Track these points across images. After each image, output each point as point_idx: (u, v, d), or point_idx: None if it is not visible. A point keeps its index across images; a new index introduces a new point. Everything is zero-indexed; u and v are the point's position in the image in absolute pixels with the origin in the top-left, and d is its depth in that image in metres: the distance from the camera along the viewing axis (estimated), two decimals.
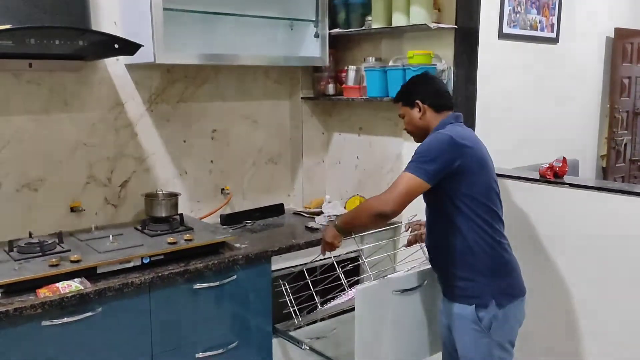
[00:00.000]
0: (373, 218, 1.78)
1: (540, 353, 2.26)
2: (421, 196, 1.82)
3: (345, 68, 2.74)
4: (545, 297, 2.21)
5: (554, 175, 2.18)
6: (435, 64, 2.39)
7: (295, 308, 2.24)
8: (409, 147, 2.64)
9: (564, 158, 2.19)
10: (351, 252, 2.41)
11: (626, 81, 4.75)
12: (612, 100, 4.67)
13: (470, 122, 2.49)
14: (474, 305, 1.80)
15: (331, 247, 1.98)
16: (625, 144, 4.88)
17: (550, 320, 2.21)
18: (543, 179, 2.18)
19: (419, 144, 1.84)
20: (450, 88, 2.40)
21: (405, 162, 2.66)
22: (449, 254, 1.83)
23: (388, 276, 1.98)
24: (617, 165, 4.85)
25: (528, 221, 2.23)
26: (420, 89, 1.94)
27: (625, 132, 4.87)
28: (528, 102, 3.76)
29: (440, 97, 1.93)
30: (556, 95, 4.01)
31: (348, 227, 1.93)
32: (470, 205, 1.78)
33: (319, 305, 2.18)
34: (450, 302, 1.88)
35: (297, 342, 2.24)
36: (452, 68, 2.40)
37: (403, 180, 1.74)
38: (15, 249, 2.00)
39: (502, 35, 3.56)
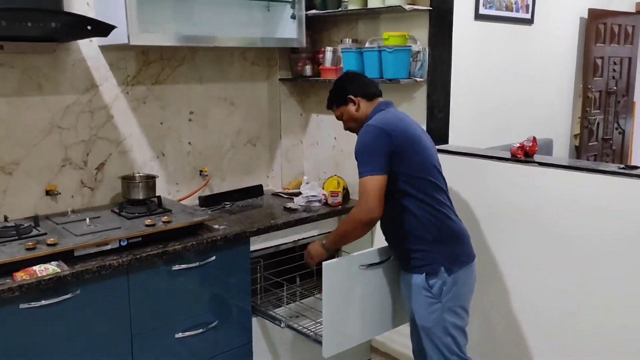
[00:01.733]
0: (364, 228, 1.94)
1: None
2: None
3: (323, 49, 2.75)
4: (514, 273, 2.28)
5: (525, 154, 2.23)
6: (410, 46, 2.41)
7: (263, 284, 2.34)
8: None
9: (534, 137, 2.24)
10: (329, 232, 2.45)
11: (599, 61, 4.83)
12: (586, 80, 4.75)
13: (444, 103, 2.54)
14: (425, 274, 1.93)
15: (315, 263, 2.12)
16: (598, 123, 4.98)
17: (519, 296, 2.29)
18: (514, 158, 2.24)
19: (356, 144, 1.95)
20: (425, 69, 2.44)
21: None
22: (399, 230, 1.97)
23: (354, 253, 2.06)
24: (589, 144, 4.96)
25: (499, 199, 2.29)
26: (349, 86, 2.07)
27: (598, 111, 4.97)
28: (503, 82, 3.81)
29: (367, 86, 2.09)
30: (531, 75, 4.07)
31: (338, 245, 2.09)
32: (410, 183, 1.91)
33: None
34: (406, 273, 2.01)
35: (276, 321, 2.29)
36: (427, 49, 2.42)
37: (368, 185, 1.87)
38: None
39: (478, 17, 3.59)
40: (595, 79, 4.84)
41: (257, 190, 2.85)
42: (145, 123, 2.55)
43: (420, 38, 2.45)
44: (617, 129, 5.21)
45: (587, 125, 4.87)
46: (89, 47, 2.33)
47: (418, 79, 2.43)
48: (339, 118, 2.13)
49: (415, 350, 2.13)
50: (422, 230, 1.93)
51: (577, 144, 4.96)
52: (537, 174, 2.16)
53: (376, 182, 1.86)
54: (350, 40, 2.65)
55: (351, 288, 2.02)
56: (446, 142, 2.59)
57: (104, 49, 2.36)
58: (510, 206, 2.25)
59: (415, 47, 2.42)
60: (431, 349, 1.99)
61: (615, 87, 5.04)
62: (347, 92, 2.06)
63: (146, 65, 2.51)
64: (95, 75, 2.36)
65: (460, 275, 1.94)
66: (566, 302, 2.14)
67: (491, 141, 3.31)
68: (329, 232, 2.10)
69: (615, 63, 4.99)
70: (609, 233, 1.99)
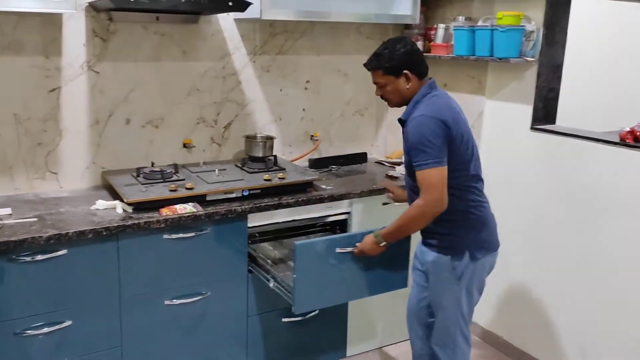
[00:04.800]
0: (429, 220, 1.90)
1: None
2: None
3: (435, 26, 2.85)
4: (611, 261, 2.30)
5: (634, 139, 2.21)
6: (524, 25, 2.45)
7: None
8: (491, 106, 2.76)
9: None
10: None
11: None
12: None
13: (554, 84, 2.56)
14: (450, 256, 1.97)
15: (367, 255, 2.06)
16: None
17: (615, 286, 2.31)
18: (622, 143, 2.23)
19: (412, 133, 1.87)
20: (537, 49, 2.47)
21: (486, 120, 2.79)
22: None
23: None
24: None
25: (603, 184, 2.30)
26: (406, 58, 1.95)
27: None
28: (625, 65, 3.63)
29: (423, 64, 1.99)
30: None
31: (396, 238, 2.01)
32: (450, 175, 1.87)
33: None
34: (429, 251, 2.03)
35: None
36: (541, 29, 2.45)
37: (434, 177, 1.83)
38: (141, 175, 2.40)
39: None
40: None
41: (361, 157, 3.06)
42: (267, 89, 2.84)
43: (535, 18, 2.47)
44: None
45: None
46: (225, 20, 2.64)
47: (529, 59, 2.47)
48: (378, 84, 2.01)
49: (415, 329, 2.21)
50: (450, 216, 1.91)
51: None
52: None
53: (441, 173, 1.83)
54: (463, 18, 2.73)
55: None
56: (553, 122, 2.62)
57: (237, 21, 2.67)
58: (615, 192, 2.26)
59: (529, 27, 2.46)
60: (441, 325, 2.06)
61: None
62: (403, 64, 1.95)
63: (272, 37, 2.79)
64: (229, 45, 2.68)
65: (482, 262, 1.99)
66: None
67: (605, 126, 3.21)
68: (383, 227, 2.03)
69: None
70: None
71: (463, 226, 1.97)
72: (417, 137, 1.85)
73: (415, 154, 1.86)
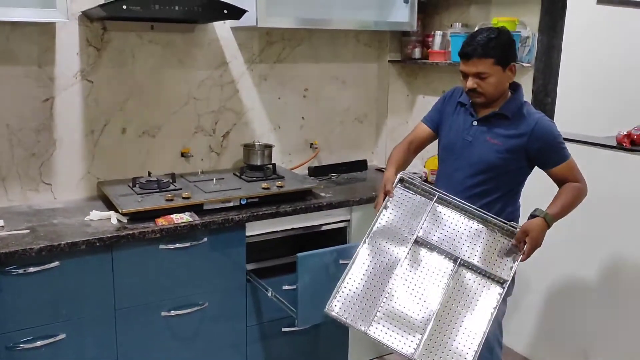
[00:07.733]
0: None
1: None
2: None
3: (432, 33, 2.84)
4: (611, 265, 2.27)
5: (631, 143, 2.19)
6: (519, 31, 2.44)
7: None
8: None
9: None
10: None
11: None
12: None
13: (551, 89, 2.54)
14: None
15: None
16: None
17: (614, 288, 2.27)
18: (619, 146, 2.21)
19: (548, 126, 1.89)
20: (533, 55, 2.45)
21: None
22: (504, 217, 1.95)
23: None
24: None
25: (600, 188, 2.26)
26: (512, 49, 1.81)
27: None
28: (626, 71, 3.61)
29: None
30: None
31: (560, 218, 1.90)
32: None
33: None
34: None
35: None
36: (537, 35, 2.44)
37: (575, 163, 1.92)
38: (137, 185, 2.37)
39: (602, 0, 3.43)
40: None
41: (361, 165, 3.03)
42: (265, 98, 2.82)
43: (530, 23, 2.46)
44: None
45: None
46: (222, 28, 2.63)
47: (525, 64, 2.45)
48: (481, 74, 1.78)
49: None
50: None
51: None
52: None
53: None
54: (460, 24, 2.72)
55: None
56: None
57: (234, 30, 2.66)
58: (612, 196, 2.23)
59: (524, 33, 2.44)
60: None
61: None
62: (513, 56, 1.80)
63: (269, 45, 2.77)
64: (226, 54, 2.67)
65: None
66: None
67: (607, 131, 3.18)
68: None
69: None
70: None
71: None
72: (555, 134, 1.87)
73: (557, 149, 1.88)
